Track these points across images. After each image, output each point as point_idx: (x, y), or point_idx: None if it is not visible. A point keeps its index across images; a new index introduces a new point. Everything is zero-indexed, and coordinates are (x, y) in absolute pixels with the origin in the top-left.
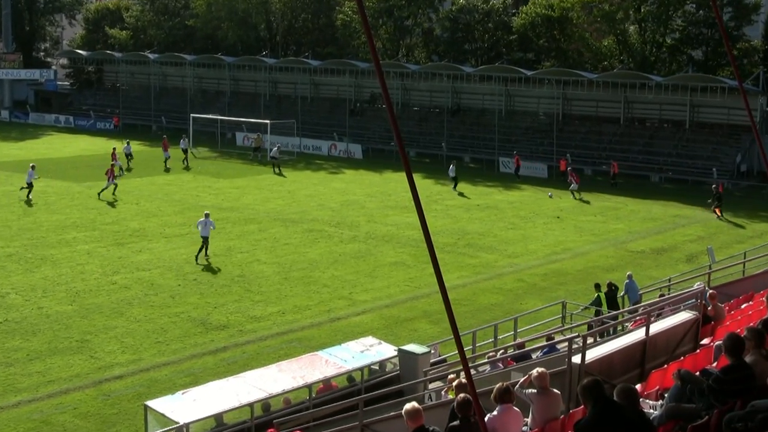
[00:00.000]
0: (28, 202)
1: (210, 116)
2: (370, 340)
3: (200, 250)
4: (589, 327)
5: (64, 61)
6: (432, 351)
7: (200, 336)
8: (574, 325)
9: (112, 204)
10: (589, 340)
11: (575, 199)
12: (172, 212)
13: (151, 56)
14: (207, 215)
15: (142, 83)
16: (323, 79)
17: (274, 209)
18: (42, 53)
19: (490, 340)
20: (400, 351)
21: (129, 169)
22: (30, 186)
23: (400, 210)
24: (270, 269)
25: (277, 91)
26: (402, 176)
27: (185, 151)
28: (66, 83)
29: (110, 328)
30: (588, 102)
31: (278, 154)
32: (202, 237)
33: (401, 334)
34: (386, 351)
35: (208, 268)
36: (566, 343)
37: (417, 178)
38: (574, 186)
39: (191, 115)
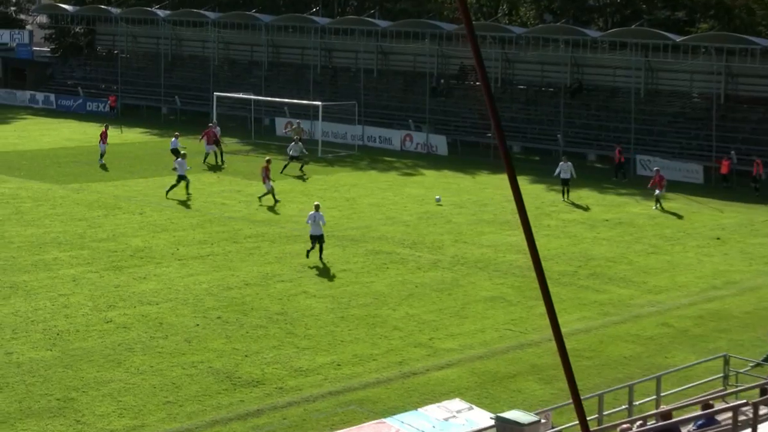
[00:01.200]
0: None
1: (241, 95)
2: (457, 403)
3: (311, 249)
4: (763, 392)
5: (42, 19)
6: (543, 420)
7: (225, 395)
8: (740, 388)
9: (185, 204)
10: (762, 410)
11: (657, 209)
12: (187, 225)
13: (161, 13)
14: (317, 207)
15: (149, 50)
16: (395, 45)
17: (327, 223)
18: (12, 9)
19: (623, 407)
20: (498, 420)
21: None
22: (183, 180)
23: (499, 226)
24: (321, 305)
25: (331, 61)
26: (502, 179)
27: (176, 153)
28: (45, 49)
29: (103, 382)
30: (761, 79)
31: (299, 151)
32: (312, 236)
33: (500, 397)
34: (479, 419)
35: (238, 303)
36: (730, 413)
37: (523, 182)
38: (659, 192)
39: (215, 93)
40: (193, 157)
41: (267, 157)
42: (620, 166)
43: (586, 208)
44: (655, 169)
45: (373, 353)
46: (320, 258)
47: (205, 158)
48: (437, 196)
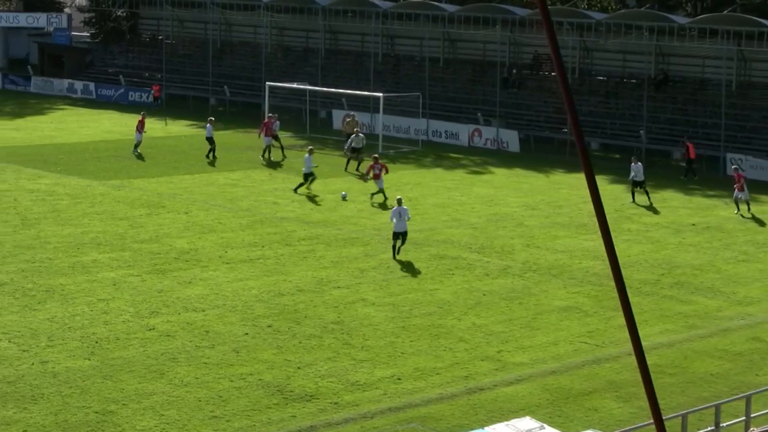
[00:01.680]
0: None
1: (295, 85)
2: (527, 422)
3: (396, 250)
4: None
5: (82, 2)
6: None
7: (276, 410)
8: None
9: (313, 199)
10: None
11: (738, 214)
12: (236, 227)
13: None
14: (400, 201)
15: (196, 36)
16: (463, 32)
17: (387, 225)
18: None
19: (709, 429)
20: None
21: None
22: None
23: (575, 230)
24: (380, 313)
25: (394, 49)
26: (578, 179)
27: (211, 141)
28: (85, 35)
29: (144, 394)
30: None
31: (361, 142)
32: (394, 233)
33: (574, 415)
34: None
35: (290, 310)
36: None
37: (601, 182)
38: (739, 194)
39: (267, 83)
40: (253, 152)
41: (375, 155)
42: (691, 163)
43: (653, 211)
44: (733, 167)
45: (437, 367)
46: (394, 257)
47: (264, 151)
48: (343, 192)
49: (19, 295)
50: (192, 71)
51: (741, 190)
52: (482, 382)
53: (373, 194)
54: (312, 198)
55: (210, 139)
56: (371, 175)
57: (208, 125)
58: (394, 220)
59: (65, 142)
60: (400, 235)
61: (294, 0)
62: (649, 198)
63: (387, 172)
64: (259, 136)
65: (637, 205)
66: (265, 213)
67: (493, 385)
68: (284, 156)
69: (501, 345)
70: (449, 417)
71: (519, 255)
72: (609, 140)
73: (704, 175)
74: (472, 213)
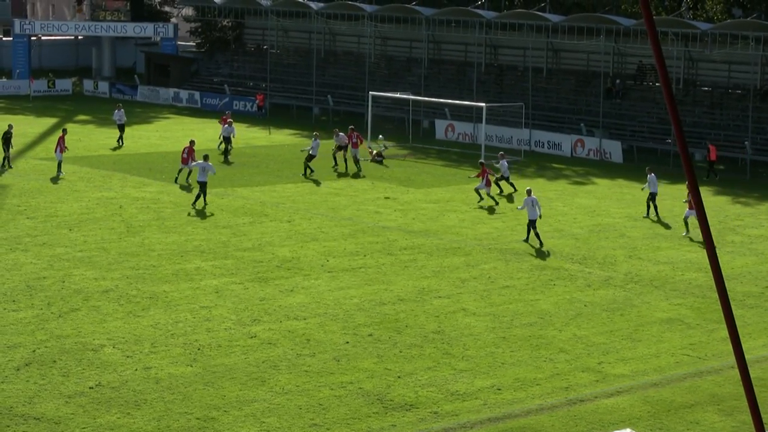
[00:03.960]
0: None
1: (398, 95)
2: None
3: (530, 234)
4: None
5: (188, 12)
6: None
7: (376, 419)
8: None
9: (415, 209)
10: None
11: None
12: (338, 235)
13: (314, 5)
14: (530, 192)
15: (300, 46)
16: (566, 42)
17: (488, 235)
18: (157, 0)
19: None
20: None
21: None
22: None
23: (678, 241)
24: (481, 323)
25: (497, 59)
26: (681, 190)
27: (228, 141)
28: (190, 44)
29: (246, 401)
30: None
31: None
32: (530, 221)
33: (675, 429)
34: None
35: (391, 320)
36: None
37: (705, 193)
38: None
39: (370, 92)
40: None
41: (480, 160)
42: (712, 164)
43: (761, 223)
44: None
45: (537, 377)
46: (538, 241)
47: (356, 162)
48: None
49: (123, 301)
50: (296, 80)
51: (690, 208)
52: (583, 393)
53: (495, 196)
54: (410, 207)
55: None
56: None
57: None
58: (527, 208)
59: (170, 151)
60: (532, 223)
61: (397, 10)
62: (657, 212)
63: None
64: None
65: (654, 219)
66: (367, 222)
67: (594, 397)
68: (359, 168)
69: (602, 356)
70: (549, 428)
71: (621, 266)
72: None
73: None
74: (574, 223)
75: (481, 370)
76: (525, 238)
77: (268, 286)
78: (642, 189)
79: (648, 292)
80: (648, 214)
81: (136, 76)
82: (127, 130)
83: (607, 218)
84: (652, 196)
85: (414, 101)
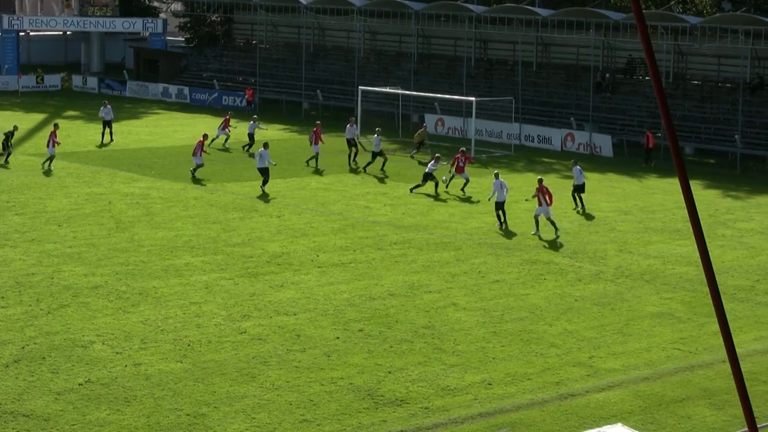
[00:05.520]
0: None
1: (388, 89)
2: (619, 429)
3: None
4: None
5: (177, 7)
6: None
7: (366, 414)
8: None
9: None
10: None
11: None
12: (328, 230)
13: (303, 0)
14: (497, 175)
15: (289, 40)
16: (556, 36)
17: (478, 229)
18: None
19: None
20: None
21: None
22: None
23: (669, 235)
24: (471, 318)
25: (487, 53)
26: (672, 184)
27: (252, 138)
28: (179, 39)
29: (236, 397)
30: None
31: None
32: (497, 203)
33: (666, 423)
34: None
35: (382, 315)
36: None
37: (696, 187)
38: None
39: (360, 87)
40: (344, 156)
41: (462, 148)
42: (649, 151)
43: (750, 216)
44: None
45: (528, 372)
46: (501, 227)
47: (313, 159)
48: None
49: (113, 297)
50: (285, 75)
51: (540, 204)
52: (574, 388)
53: (462, 188)
54: (400, 201)
55: (251, 136)
56: (455, 167)
57: (252, 122)
58: (496, 192)
59: (159, 146)
60: (500, 205)
61: (387, 4)
62: (582, 204)
63: (471, 162)
64: (311, 144)
65: (581, 212)
66: (356, 217)
67: (585, 392)
68: (356, 164)
69: (593, 351)
70: (540, 423)
71: (611, 260)
72: (703, 145)
73: None
74: (565, 218)
75: (471, 365)
76: (535, 231)
77: (258, 282)
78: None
79: (639, 287)
80: (576, 206)
81: (125, 71)
82: (115, 125)
83: (597, 212)
84: (577, 188)
85: (403, 96)
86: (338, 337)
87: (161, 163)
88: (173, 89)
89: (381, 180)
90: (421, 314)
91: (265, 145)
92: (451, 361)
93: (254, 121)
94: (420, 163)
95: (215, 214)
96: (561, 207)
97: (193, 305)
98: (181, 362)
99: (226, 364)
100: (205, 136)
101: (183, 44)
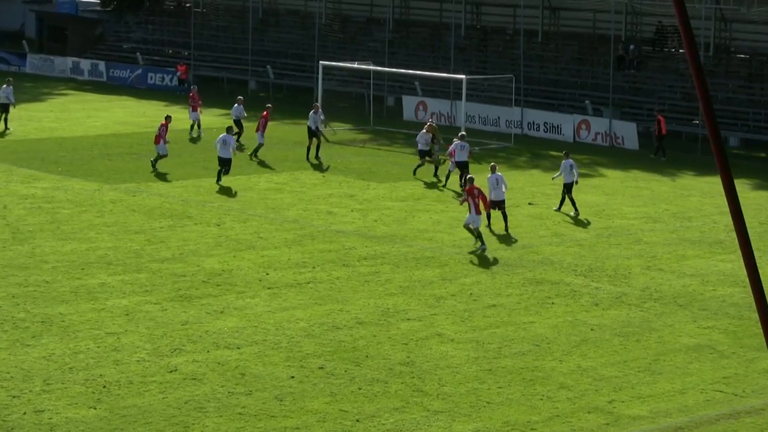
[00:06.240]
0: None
1: (356, 65)
2: None
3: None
4: None
5: None
6: None
7: None
8: None
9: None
10: None
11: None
12: (281, 242)
13: None
14: (494, 168)
15: (232, 3)
16: (566, 1)
17: (469, 241)
18: None
19: None
20: None
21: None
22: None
23: (709, 247)
24: (460, 352)
25: (480, 19)
26: (713, 184)
27: (239, 125)
28: (94, 1)
29: None
30: None
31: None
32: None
33: None
34: None
35: (348, 348)
36: None
37: (742, 187)
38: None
39: (321, 62)
40: (302, 148)
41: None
42: (662, 140)
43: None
44: None
45: (532, 420)
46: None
47: (257, 150)
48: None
49: (8, 327)
50: (227, 47)
51: (477, 213)
52: None
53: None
54: (371, 206)
55: (238, 122)
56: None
57: (236, 105)
58: (493, 191)
59: (68, 136)
60: (497, 204)
61: None
62: (575, 206)
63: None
64: (257, 132)
65: (568, 213)
66: (316, 225)
67: None
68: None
69: (613, 393)
70: None
71: (637, 280)
72: (752, 134)
73: None
74: (578, 226)
75: (461, 411)
76: (480, 246)
77: (192, 307)
78: (553, 179)
79: (671, 313)
80: (560, 208)
81: (24, 41)
82: (12, 110)
83: (620, 219)
84: (567, 188)
85: (376, 73)
86: (293, 377)
87: (70, 157)
88: (86, 64)
89: (318, 168)
90: (397, 347)
91: (229, 130)
92: (436, 406)
93: (239, 104)
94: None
95: (138, 221)
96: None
97: (109, 336)
98: (95, 408)
99: (151, 410)
100: (168, 119)
101: (98, 8)
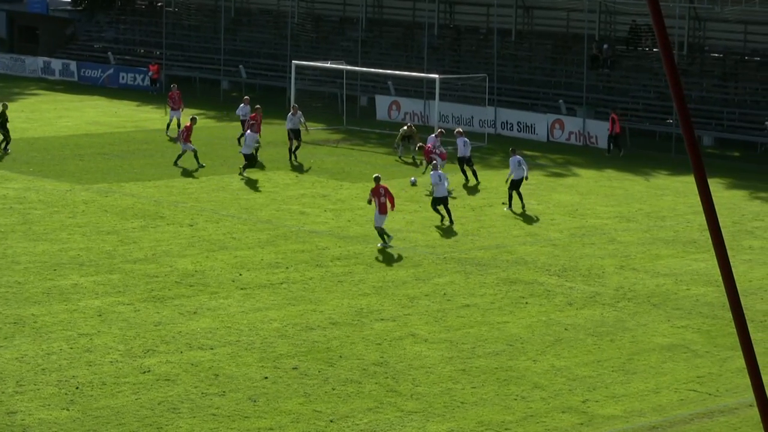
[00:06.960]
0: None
1: (329, 65)
2: None
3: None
4: None
5: None
6: None
7: None
8: None
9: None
10: None
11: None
12: (254, 243)
13: None
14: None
15: (205, 2)
16: (539, 0)
17: (443, 241)
18: None
19: None
20: None
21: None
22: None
23: (682, 247)
24: (433, 353)
25: (453, 20)
26: (686, 183)
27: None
28: (65, 1)
29: None
30: None
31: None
32: (436, 200)
33: None
34: None
35: (321, 349)
36: None
37: (716, 187)
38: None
39: (293, 62)
40: (275, 148)
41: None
42: (615, 138)
43: (532, 218)
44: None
45: (506, 420)
46: (451, 221)
47: (179, 157)
48: (412, 178)
49: None
50: (199, 47)
51: (382, 212)
52: None
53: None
54: (345, 206)
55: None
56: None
57: (242, 105)
58: (436, 185)
59: (39, 136)
60: (441, 201)
61: None
62: (513, 203)
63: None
64: (179, 141)
65: (518, 213)
66: (289, 225)
67: None
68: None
69: (587, 393)
70: None
71: (610, 279)
72: (726, 134)
73: None
74: (552, 226)
75: (435, 411)
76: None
77: (165, 308)
78: (506, 181)
79: (644, 312)
80: (510, 205)
81: None
82: None
83: (593, 219)
84: (516, 184)
85: (349, 72)
86: (267, 377)
87: (41, 157)
88: (57, 64)
89: (295, 169)
90: (371, 348)
91: (193, 119)
92: (409, 406)
93: (245, 104)
94: (405, 162)
95: (110, 222)
96: (549, 212)
97: (82, 337)
98: (68, 410)
99: (124, 411)
100: (194, 120)
101: (69, 7)
